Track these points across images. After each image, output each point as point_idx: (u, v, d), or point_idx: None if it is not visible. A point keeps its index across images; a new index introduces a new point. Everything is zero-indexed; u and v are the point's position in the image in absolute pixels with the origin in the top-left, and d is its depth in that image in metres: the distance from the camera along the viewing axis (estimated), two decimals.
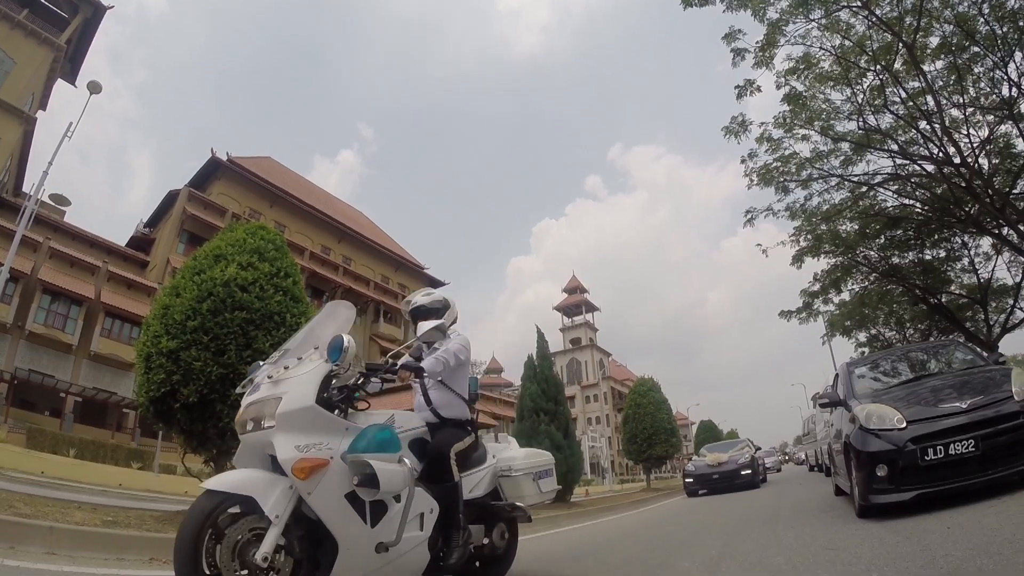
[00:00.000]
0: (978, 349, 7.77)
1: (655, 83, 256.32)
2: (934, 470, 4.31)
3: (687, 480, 15.47)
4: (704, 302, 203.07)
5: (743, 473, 14.04)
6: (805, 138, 15.74)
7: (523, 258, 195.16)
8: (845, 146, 15.68)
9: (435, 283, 57.66)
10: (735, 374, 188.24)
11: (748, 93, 13.93)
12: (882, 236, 18.08)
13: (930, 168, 15.34)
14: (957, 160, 14.23)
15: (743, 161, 16.37)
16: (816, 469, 17.58)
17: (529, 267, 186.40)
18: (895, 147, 15.17)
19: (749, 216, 16.97)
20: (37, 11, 39.26)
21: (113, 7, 43.42)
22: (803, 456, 28.31)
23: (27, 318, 29.12)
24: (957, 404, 4.54)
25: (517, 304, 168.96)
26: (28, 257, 29.00)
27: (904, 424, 4.51)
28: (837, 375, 7.22)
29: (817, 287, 19.88)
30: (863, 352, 27.93)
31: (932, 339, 20.63)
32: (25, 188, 36.90)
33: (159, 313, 6.20)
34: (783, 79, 14.68)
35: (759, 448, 16.35)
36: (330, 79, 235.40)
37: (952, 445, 4.28)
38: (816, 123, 15.34)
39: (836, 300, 21.16)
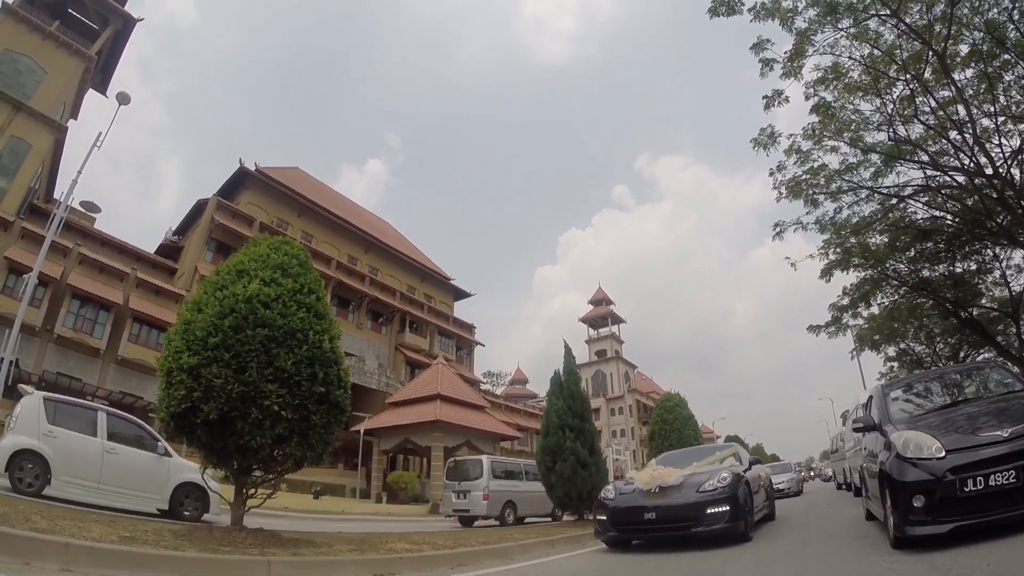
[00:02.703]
0: (1016, 371, 7.51)
1: (682, 92, 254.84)
2: (973, 501, 4.15)
3: (599, 518, 8.05)
4: (730, 313, 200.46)
5: (711, 512, 6.83)
6: (834, 149, 15.48)
7: (549, 268, 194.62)
8: (875, 157, 15.36)
9: (460, 294, 57.89)
10: (761, 386, 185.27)
11: (776, 104, 13.70)
12: (912, 249, 17.68)
13: (961, 179, 14.98)
14: (989, 171, 13.87)
15: (771, 173, 16.13)
16: (844, 487, 17.13)
17: (555, 277, 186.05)
18: (925, 158, 14.83)
19: (778, 230, 16.69)
20: (68, 23, 40.35)
21: (143, 19, 44.51)
22: (830, 473, 27.73)
23: (56, 322, 29.78)
24: (998, 432, 4.38)
25: (543, 314, 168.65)
26: (58, 262, 29.66)
27: (943, 453, 4.35)
28: (871, 397, 7.03)
29: (846, 301, 19.52)
30: (892, 367, 27.38)
31: (967, 358, 20.10)
32: (56, 195, 37.80)
33: (181, 328, 6.19)
34: (812, 90, 14.46)
35: (754, 462, 8.96)
36: (357, 89, 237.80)
37: (993, 476, 4.12)
38: (845, 134, 15.06)
39: (865, 314, 20.75)
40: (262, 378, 5.71)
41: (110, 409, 9.78)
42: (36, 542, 4.09)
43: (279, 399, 5.75)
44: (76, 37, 39.43)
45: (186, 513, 8.99)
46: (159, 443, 9.41)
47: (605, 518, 7.69)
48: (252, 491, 6.44)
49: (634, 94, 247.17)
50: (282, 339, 5.88)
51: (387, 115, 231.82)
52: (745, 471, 7.87)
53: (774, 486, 19.85)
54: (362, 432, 31.21)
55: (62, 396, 9.84)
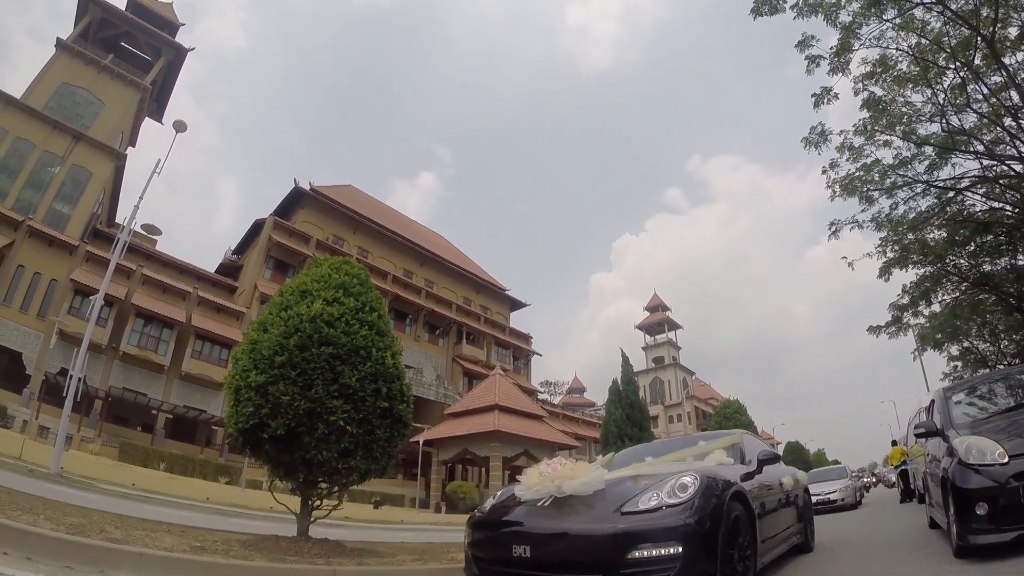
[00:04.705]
0: None
1: (729, 91, 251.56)
2: None
3: (466, 544, 4.78)
4: (788, 315, 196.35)
5: (640, 556, 3.41)
6: (887, 144, 15.13)
7: (604, 274, 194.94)
8: (929, 150, 14.92)
9: (516, 304, 58.23)
10: (822, 390, 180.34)
11: (825, 102, 13.50)
12: (972, 243, 17.01)
13: (1019, 167, 14.40)
14: None
15: (824, 172, 15.86)
16: (907, 497, 16.31)
17: (610, 284, 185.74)
18: (981, 148, 14.33)
19: (833, 229, 16.35)
20: (122, 55, 42.64)
21: (194, 48, 46.56)
22: (894, 479, 26.69)
23: (121, 340, 31.36)
24: None
25: (599, 321, 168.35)
26: (122, 283, 31.22)
27: (1006, 459, 4.22)
28: (933, 401, 6.83)
29: (906, 300, 18.91)
30: (956, 366, 26.29)
31: None
32: (118, 219, 39.85)
33: (248, 348, 6.47)
34: (860, 84, 14.19)
35: (769, 459, 5.43)
36: (405, 105, 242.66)
37: None
38: (897, 127, 14.70)
39: (926, 312, 20.04)
40: (328, 394, 5.92)
41: None
42: (111, 552, 4.22)
43: (344, 414, 5.95)
44: (130, 69, 41.64)
45: None
46: None
47: (468, 546, 4.68)
48: (318, 503, 6.67)
49: (681, 96, 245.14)
50: (346, 356, 6.09)
51: (436, 129, 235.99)
52: (747, 476, 4.75)
53: (816, 498, 15.19)
54: (421, 443, 31.66)
55: None
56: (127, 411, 31.59)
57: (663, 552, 3.38)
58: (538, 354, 57.15)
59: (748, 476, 4.78)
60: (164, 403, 31.77)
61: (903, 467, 16.78)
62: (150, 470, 23.14)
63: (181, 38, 45.73)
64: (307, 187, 43.00)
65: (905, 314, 19.23)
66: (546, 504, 4.09)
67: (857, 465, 43.20)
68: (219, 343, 34.43)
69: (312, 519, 6.70)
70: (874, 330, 19.53)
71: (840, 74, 13.45)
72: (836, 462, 50.67)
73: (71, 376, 16.67)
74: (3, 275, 30.49)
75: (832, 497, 16.21)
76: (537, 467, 4.67)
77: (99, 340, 29.33)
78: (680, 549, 3.36)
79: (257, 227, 41.23)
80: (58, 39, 38.58)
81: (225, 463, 29.85)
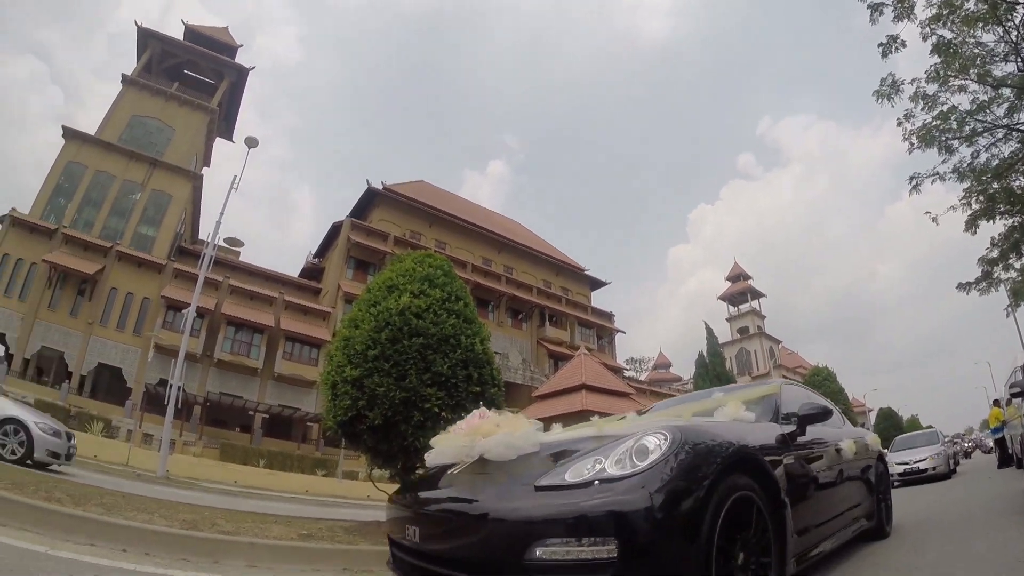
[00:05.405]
0: None
1: (792, 49, 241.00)
2: None
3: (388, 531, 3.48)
4: (873, 276, 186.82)
5: (545, 555, 2.17)
6: (962, 89, 14.24)
7: (682, 247, 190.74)
8: (1007, 91, 13.99)
9: (596, 283, 58.20)
10: (913, 353, 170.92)
11: (894, 50, 12.92)
12: None
13: None
14: None
15: (900, 123, 15.13)
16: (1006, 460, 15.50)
17: (689, 256, 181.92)
18: None
19: (914, 183, 15.62)
20: (187, 82, 45.14)
21: (254, 67, 48.56)
22: (991, 443, 25.23)
23: (215, 348, 33.51)
24: None
25: (680, 295, 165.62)
26: (211, 295, 33.20)
27: None
28: None
29: (995, 253, 17.82)
30: None
31: None
32: (201, 235, 42.39)
33: (341, 344, 6.81)
34: (928, 28, 13.42)
35: (814, 413, 3.62)
36: (468, 96, 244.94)
37: None
38: (971, 71, 13.82)
39: (1018, 266, 18.83)
40: (421, 383, 6.20)
41: None
42: (223, 543, 4.47)
43: (438, 401, 6.22)
44: (196, 94, 44.04)
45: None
46: None
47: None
48: None
49: (744, 58, 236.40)
50: (436, 345, 6.35)
51: (501, 117, 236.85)
52: (783, 439, 3.40)
53: (903, 468, 15.17)
54: None
55: None
56: (225, 414, 33.74)
57: (584, 552, 2.14)
58: (621, 332, 56.65)
59: (784, 440, 3.37)
60: (260, 404, 33.65)
61: (999, 433, 15.95)
62: (250, 467, 24.52)
63: (240, 59, 47.73)
64: (379, 186, 44.01)
65: (995, 268, 18.12)
66: (458, 472, 3.00)
67: (952, 431, 40.84)
68: (308, 343, 36.00)
69: None
70: (963, 287, 18.46)
71: (905, 20, 12.76)
72: (929, 428, 48.02)
73: (171, 385, 17.78)
74: (98, 298, 33.15)
75: (921, 466, 15.04)
76: (471, 416, 3.51)
77: (194, 350, 31.22)
78: (614, 548, 2.12)
79: (335, 230, 42.52)
80: (123, 75, 41.11)
81: (321, 457, 31.17)
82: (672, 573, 2.19)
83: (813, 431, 3.79)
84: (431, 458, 3.35)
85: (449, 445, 3.25)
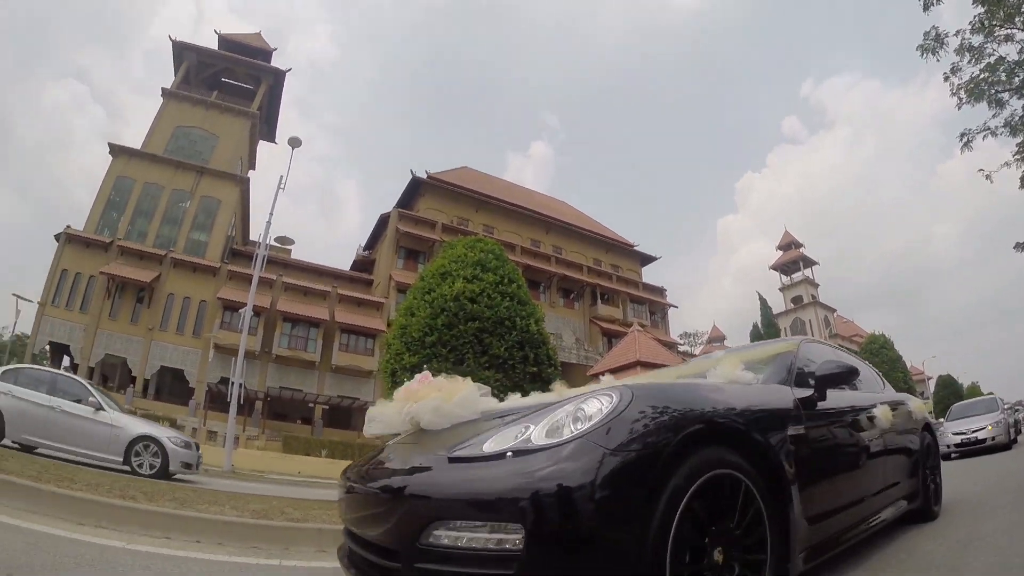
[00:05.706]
0: None
1: (830, 6, 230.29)
2: None
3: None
4: (929, 238, 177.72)
5: (436, 546, 1.80)
6: (1008, 39, 13.35)
7: (731, 217, 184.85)
8: None
9: (646, 259, 57.48)
10: (973, 317, 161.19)
11: (935, 2, 12.18)
12: None
13: None
14: None
15: (947, 78, 14.27)
16: None
17: (738, 226, 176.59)
18: None
19: (965, 140, 14.72)
20: (226, 89, 46.22)
21: (290, 69, 49.34)
22: None
23: (272, 344, 34.52)
24: None
25: (731, 266, 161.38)
26: (266, 293, 34.14)
27: None
28: None
29: None
30: None
31: None
32: (252, 236, 43.55)
33: (398, 333, 6.88)
34: None
35: (839, 373, 2.99)
36: (504, 80, 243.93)
37: None
38: (1017, 19, 12.95)
39: None
40: (479, 366, 6.16)
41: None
42: (291, 530, 4.57)
43: (496, 383, 6.10)
44: (236, 100, 45.10)
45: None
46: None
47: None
48: None
49: (782, 19, 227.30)
50: (492, 328, 6.30)
51: (540, 97, 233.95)
52: (800, 403, 2.75)
53: (960, 438, 14.15)
54: None
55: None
56: (285, 407, 34.87)
57: (488, 541, 1.74)
58: (674, 306, 55.67)
59: (797, 406, 2.72)
60: (319, 396, 34.56)
61: None
62: (313, 458, 25.08)
63: (276, 62, 48.59)
64: (424, 175, 44.18)
65: None
66: (394, 443, 2.83)
67: (1015, 398, 38.58)
68: (363, 334, 36.68)
69: None
70: (1021, 247, 17.49)
71: None
72: (989, 394, 45.26)
73: (232, 383, 18.34)
74: (156, 305, 34.64)
75: (979, 436, 13.95)
76: (400, 388, 3.09)
77: (252, 347, 32.14)
78: (519, 539, 1.69)
79: (383, 221, 43.04)
80: (163, 88, 42.49)
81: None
82: (602, 573, 1.70)
83: (837, 396, 3.18)
84: (368, 428, 2.97)
85: (384, 413, 2.91)
